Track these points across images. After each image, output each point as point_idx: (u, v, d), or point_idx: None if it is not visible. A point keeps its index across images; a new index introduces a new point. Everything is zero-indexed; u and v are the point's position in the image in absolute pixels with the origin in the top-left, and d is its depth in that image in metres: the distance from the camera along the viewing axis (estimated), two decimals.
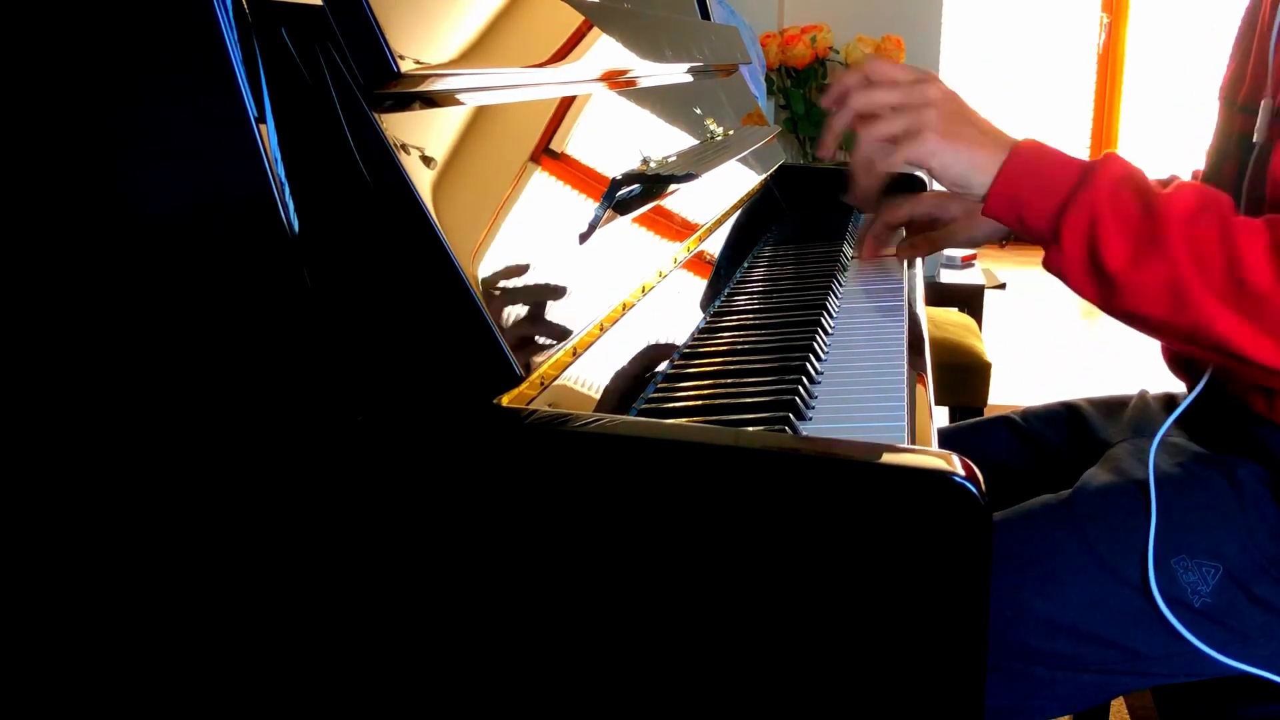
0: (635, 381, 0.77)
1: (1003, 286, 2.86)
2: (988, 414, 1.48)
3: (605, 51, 0.92)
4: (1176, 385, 1.03)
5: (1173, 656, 0.84)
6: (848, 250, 1.27)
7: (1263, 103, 0.87)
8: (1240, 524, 0.84)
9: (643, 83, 1.06)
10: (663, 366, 0.83)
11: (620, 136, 0.92)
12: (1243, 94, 0.93)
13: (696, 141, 1.13)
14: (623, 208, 0.85)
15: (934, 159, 0.83)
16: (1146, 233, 0.76)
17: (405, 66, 0.58)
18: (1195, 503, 0.86)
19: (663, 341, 0.85)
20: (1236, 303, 0.74)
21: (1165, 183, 1.14)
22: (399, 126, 0.58)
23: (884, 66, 0.89)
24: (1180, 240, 0.75)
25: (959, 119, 0.84)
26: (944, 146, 0.83)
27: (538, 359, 0.61)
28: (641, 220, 0.89)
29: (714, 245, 1.10)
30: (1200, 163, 1.09)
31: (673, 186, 0.96)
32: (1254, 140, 0.87)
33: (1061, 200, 0.79)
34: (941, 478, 0.51)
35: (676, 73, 1.21)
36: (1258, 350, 0.74)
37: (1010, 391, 2.58)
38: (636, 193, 0.88)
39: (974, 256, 2.73)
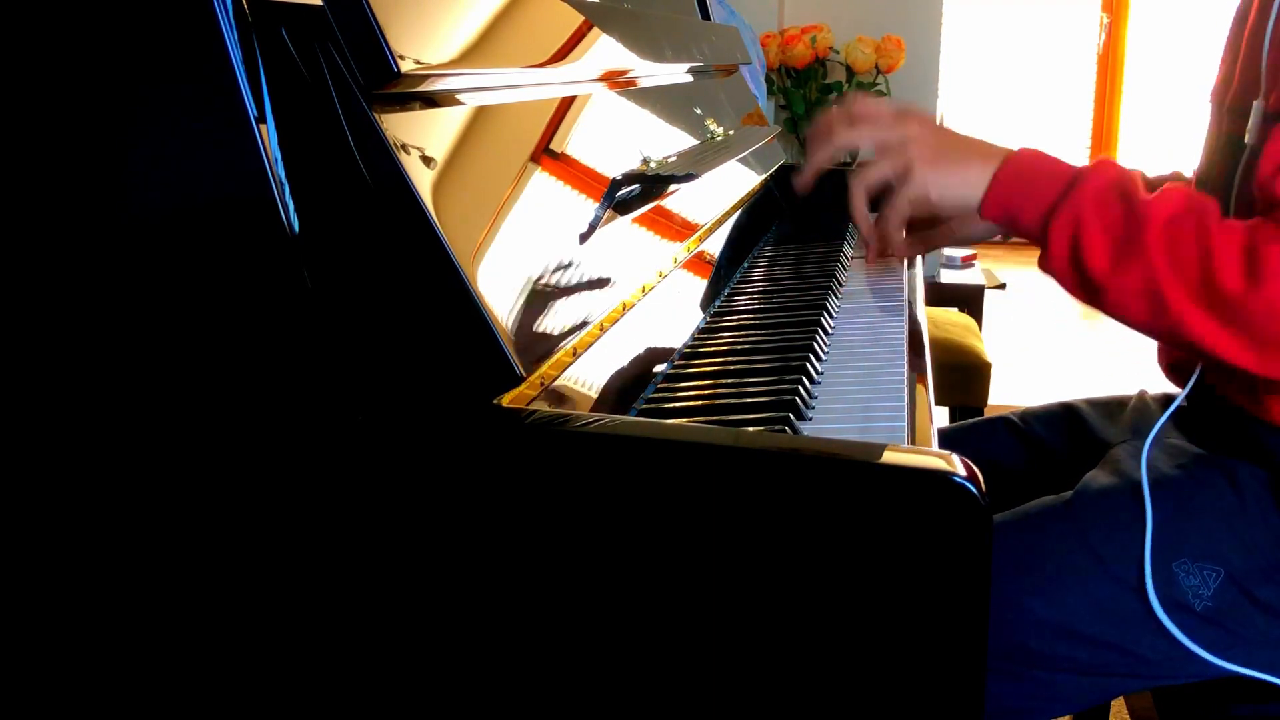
0: (635, 381, 0.77)
1: (1003, 286, 2.86)
2: (988, 414, 1.48)
3: (605, 51, 0.92)
4: (1175, 386, 1.03)
5: (1174, 659, 0.84)
6: (848, 250, 1.27)
7: (1254, 104, 0.87)
8: (1241, 527, 0.84)
9: (643, 83, 1.06)
10: (663, 366, 0.83)
11: (620, 136, 0.92)
12: (1230, 96, 0.93)
13: (696, 141, 1.13)
14: (623, 208, 0.85)
15: (931, 189, 0.85)
16: (1126, 237, 0.77)
17: (405, 66, 0.58)
18: (1196, 505, 0.86)
19: (663, 341, 0.85)
20: (1209, 306, 0.74)
21: (1167, 179, 1.14)
22: (399, 126, 0.58)
23: (866, 102, 0.93)
24: (1157, 243, 0.76)
25: (942, 145, 0.87)
26: (935, 175, 0.85)
27: (538, 359, 0.61)
28: (641, 220, 0.89)
29: (714, 245, 1.10)
30: (1194, 163, 1.09)
31: (673, 186, 0.96)
32: (1245, 142, 0.87)
33: (1049, 205, 0.81)
34: (942, 478, 0.51)
35: (676, 73, 1.21)
36: (1231, 352, 0.75)
37: (1010, 391, 2.58)
38: (636, 193, 0.88)
39: (974, 257, 2.72)
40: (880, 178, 0.89)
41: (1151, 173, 1.16)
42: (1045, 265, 0.83)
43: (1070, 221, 0.79)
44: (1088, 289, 0.80)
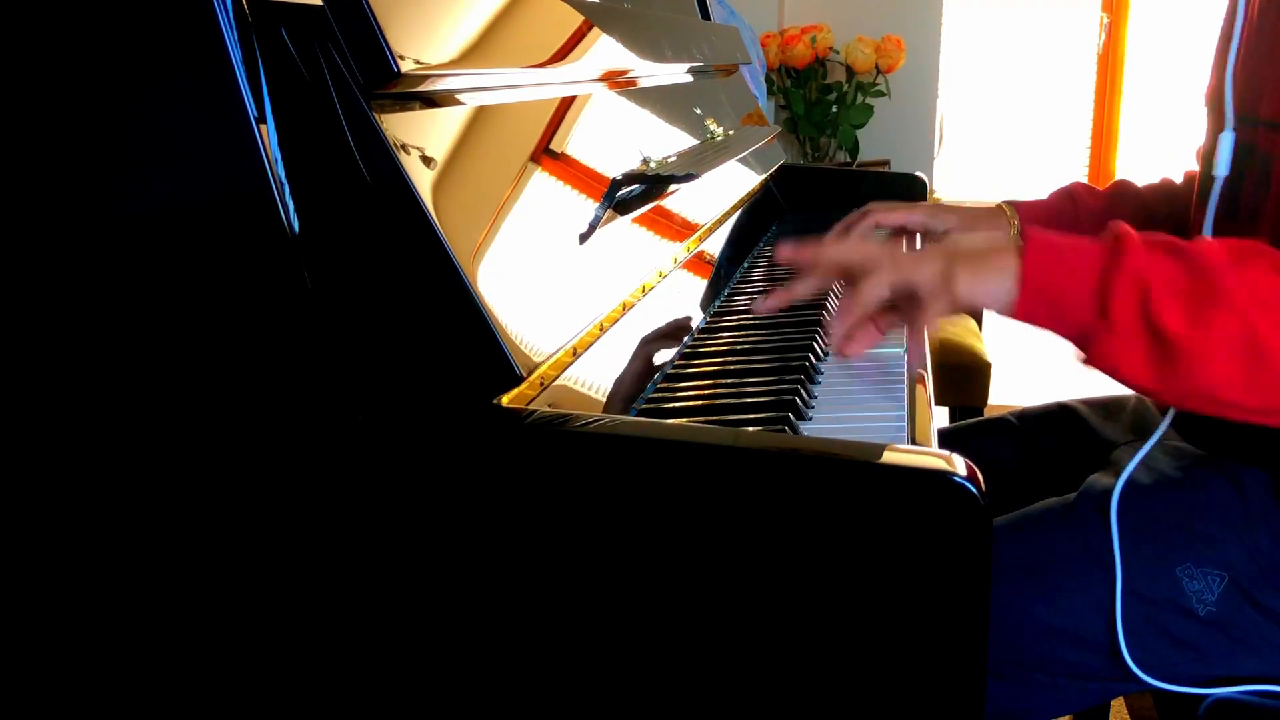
0: (635, 381, 0.77)
1: None
2: (988, 414, 1.48)
3: (605, 51, 0.92)
4: None
5: (1176, 664, 0.84)
6: None
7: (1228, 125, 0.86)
8: (1245, 531, 0.84)
9: (643, 83, 1.06)
10: (663, 366, 0.83)
11: (620, 136, 0.92)
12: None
13: (696, 141, 1.13)
14: (623, 208, 0.85)
15: (970, 295, 0.75)
16: (1200, 289, 0.70)
17: (405, 66, 0.58)
18: (1200, 509, 0.86)
19: (662, 341, 0.85)
20: None
21: (1156, 187, 1.14)
22: (399, 126, 0.58)
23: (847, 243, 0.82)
24: (1239, 287, 0.69)
25: (961, 249, 0.77)
26: (971, 279, 0.75)
27: (538, 359, 0.61)
28: (641, 220, 0.89)
29: (714, 245, 1.10)
30: (1190, 163, 1.09)
31: (673, 186, 0.96)
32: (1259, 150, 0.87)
33: (1097, 279, 0.72)
34: (941, 478, 0.50)
35: (676, 73, 1.21)
36: None
37: (1010, 391, 2.57)
38: (636, 193, 0.88)
39: None
40: (937, 316, 0.76)
41: (1140, 182, 1.16)
42: (1107, 346, 0.72)
43: (1134, 288, 0.71)
44: (1164, 358, 0.71)
